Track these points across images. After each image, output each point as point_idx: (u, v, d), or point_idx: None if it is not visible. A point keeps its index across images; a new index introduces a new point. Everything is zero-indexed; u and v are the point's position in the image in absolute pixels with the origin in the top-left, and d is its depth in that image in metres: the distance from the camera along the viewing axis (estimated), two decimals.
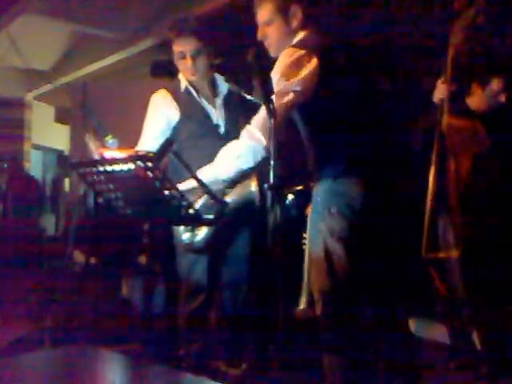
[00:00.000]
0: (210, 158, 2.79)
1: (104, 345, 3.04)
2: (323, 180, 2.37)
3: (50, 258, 5.15)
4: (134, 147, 3.09)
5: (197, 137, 2.93)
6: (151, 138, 2.96)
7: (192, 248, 2.87)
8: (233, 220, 2.79)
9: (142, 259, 4.12)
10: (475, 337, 2.87)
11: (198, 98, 2.98)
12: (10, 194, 6.13)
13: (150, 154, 2.30)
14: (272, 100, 2.27)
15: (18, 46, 5.57)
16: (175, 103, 2.96)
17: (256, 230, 2.95)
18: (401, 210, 2.38)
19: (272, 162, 2.48)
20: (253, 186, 2.79)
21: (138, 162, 2.15)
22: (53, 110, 8.67)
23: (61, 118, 8.54)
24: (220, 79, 3.01)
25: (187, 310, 2.99)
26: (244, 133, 2.42)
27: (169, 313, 3.71)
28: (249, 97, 2.69)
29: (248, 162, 2.43)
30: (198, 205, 2.70)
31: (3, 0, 4.98)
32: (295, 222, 3.22)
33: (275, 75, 2.28)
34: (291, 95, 2.25)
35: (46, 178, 8.70)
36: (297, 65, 2.25)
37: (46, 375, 1.89)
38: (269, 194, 2.60)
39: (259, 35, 2.45)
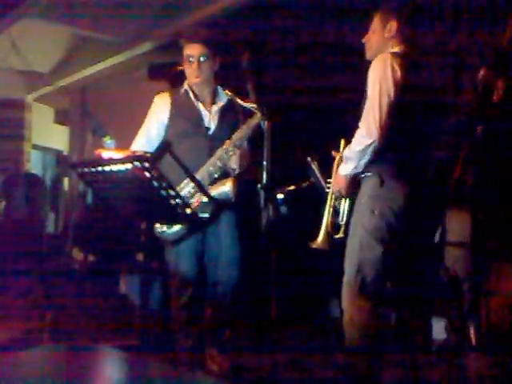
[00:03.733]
0: (196, 155, 2.98)
1: (102, 341, 3.09)
2: (370, 182, 2.61)
3: (50, 255, 5.15)
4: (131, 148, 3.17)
5: (185, 134, 3.07)
6: (142, 137, 3.15)
7: (165, 239, 3.01)
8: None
9: (140, 257, 4.14)
10: (471, 331, 2.95)
11: (194, 101, 3.12)
12: (12, 192, 6.16)
13: (148, 155, 2.36)
14: (263, 103, 2.41)
15: (18, 48, 5.61)
16: (170, 103, 3.13)
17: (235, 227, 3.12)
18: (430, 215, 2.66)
19: (265, 163, 2.57)
20: (227, 185, 2.92)
21: (136, 163, 2.20)
22: (52, 111, 8.67)
23: (60, 119, 8.55)
24: (221, 90, 3.15)
25: (178, 305, 3.10)
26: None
27: (165, 309, 3.76)
28: (245, 104, 2.83)
29: None
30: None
31: (4, 3, 5.01)
32: (285, 221, 3.30)
33: (372, 76, 2.58)
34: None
35: (45, 177, 8.71)
36: (393, 68, 2.55)
37: (45, 372, 1.88)
38: (262, 193, 2.70)
39: (364, 38, 2.82)
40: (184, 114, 3.12)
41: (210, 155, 2.97)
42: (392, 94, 2.52)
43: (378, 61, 2.60)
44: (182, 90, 3.14)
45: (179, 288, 3.09)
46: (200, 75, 3.06)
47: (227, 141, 2.95)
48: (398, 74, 2.53)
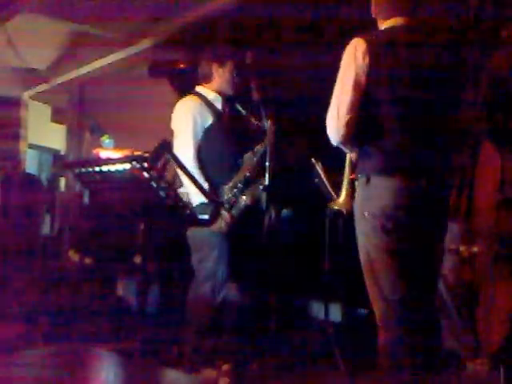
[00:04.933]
0: (227, 157, 3.18)
1: (98, 344, 3.07)
2: (360, 184, 2.42)
3: (45, 257, 5.16)
4: (130, 147, 3.14)
5: (221, 137, 3.23)
6: (192, 138, 3.18)
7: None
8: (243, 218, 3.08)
9: (137, 259, 4.13)
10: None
11: (219, 108, 3.29)
12: (9, 192, 6.15)
13: (146, 155, 2.33)
14: (267, 102, 2.37)
15: (14, 45, 5.58)
16: (207, 108, 3.24)
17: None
18: (434, 213, 2.40)
19: (267, 164, 2.55)
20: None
21: (134, 163, 2.17)
22: (49, 109, 8.64)
23: (57, 117, 8.52)
24: None
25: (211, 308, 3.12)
26: None
27: (162, 312, 3.74)
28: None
29: None
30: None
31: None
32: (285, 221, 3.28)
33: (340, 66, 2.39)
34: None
35: (41, 177, 8.70)
36: (349, 54, 2.35)
37: (39, 373, 1.87)
38: (264, 195, 2.69)
39: None
40: (219, 119, 3.26)
41: (235, 159, 3.19)
42: (357, 87, 2.31)
43: (347, 48, 2.37)
44: (213, 97, 3.28)
45: (214, 291, 3.15)
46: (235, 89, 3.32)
47: (252, 150, 3.15)
48: (360, 62, 2.30)
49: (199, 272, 3.16)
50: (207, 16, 4.68)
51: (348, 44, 2.36)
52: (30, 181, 6.70)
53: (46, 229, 6.86)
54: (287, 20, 4.30)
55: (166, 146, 2.84)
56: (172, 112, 3.26)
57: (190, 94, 3.31)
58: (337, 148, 2.76)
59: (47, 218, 6.94)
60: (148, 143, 3.13)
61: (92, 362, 2.04)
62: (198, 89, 3.31)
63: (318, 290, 3.88)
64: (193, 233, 3.15)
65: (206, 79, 3.30)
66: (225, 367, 3.08)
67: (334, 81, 2.40)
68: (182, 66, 3.44)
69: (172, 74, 3.64)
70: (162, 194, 2.26)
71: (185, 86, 3.33)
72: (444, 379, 2.44)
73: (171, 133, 3.25)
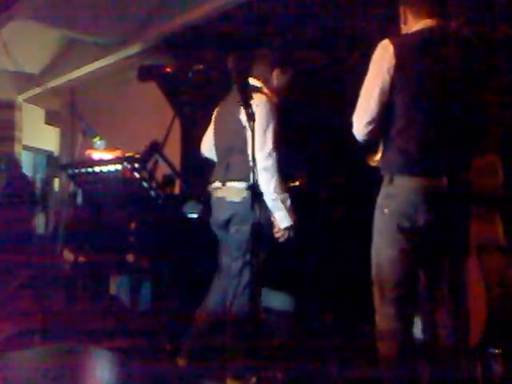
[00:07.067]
0: None
1: (92, 342, 3.11)
2: (383, 181, 2.46)
3: (40, 256, 5.16)
4: (121, 148, 3.20)
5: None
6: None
7: None
8: None
9: (130, 257, 4.16)
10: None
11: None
12: (6, 192, 6.16)
13: (137, 156, 2.39)
14: (250, 104, 2.43)
15: (9, 49, 5.63)
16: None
17: None
18: (453, 212, 2.41)
19: (251, 164, 2.58)
20: None
21: (125, 163, 2.23)
22: (43, 112, 8.64)
23: (50, 120, 8.53)
24: None
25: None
26: None
27: (155, 309, 3.78)
28: None
29: None
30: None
31: None
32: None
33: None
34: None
35: (36, 178, 8.71)
36: (377, 56, 2.42)
37: (35, 372, 1.89)
38: (248, 193, 2.72)
39: None
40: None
41: None
42: (382, 89, 2.37)
43: (376, 49, 2.43)
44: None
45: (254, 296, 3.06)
46: None
47: None
48: (387, 64, 2.36)
49: (243, 276, 2.99)
50: (194, 22, 4.73)
51: (377, 46, 2.41)
52: (25, 181, 6.71)
53: (40, 228, 6.87)
54: (272, 24, 4.36)
55: (156, 147, 2.91)
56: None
57: (259, 91, 3.11)
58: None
59: (42, 218, 6.95)
60: (138, 144, 3.22)
61: (87, 360, 2.06)
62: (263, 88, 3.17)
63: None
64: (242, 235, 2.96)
65: (264, 81, 3.17)
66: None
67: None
68: (169, 69, 3.49)
69: (160, 78, 3.69)
70: (152, 193, 2.33)
71: (172, 88, 3.33)
72: (438, 374, 2.46)
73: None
